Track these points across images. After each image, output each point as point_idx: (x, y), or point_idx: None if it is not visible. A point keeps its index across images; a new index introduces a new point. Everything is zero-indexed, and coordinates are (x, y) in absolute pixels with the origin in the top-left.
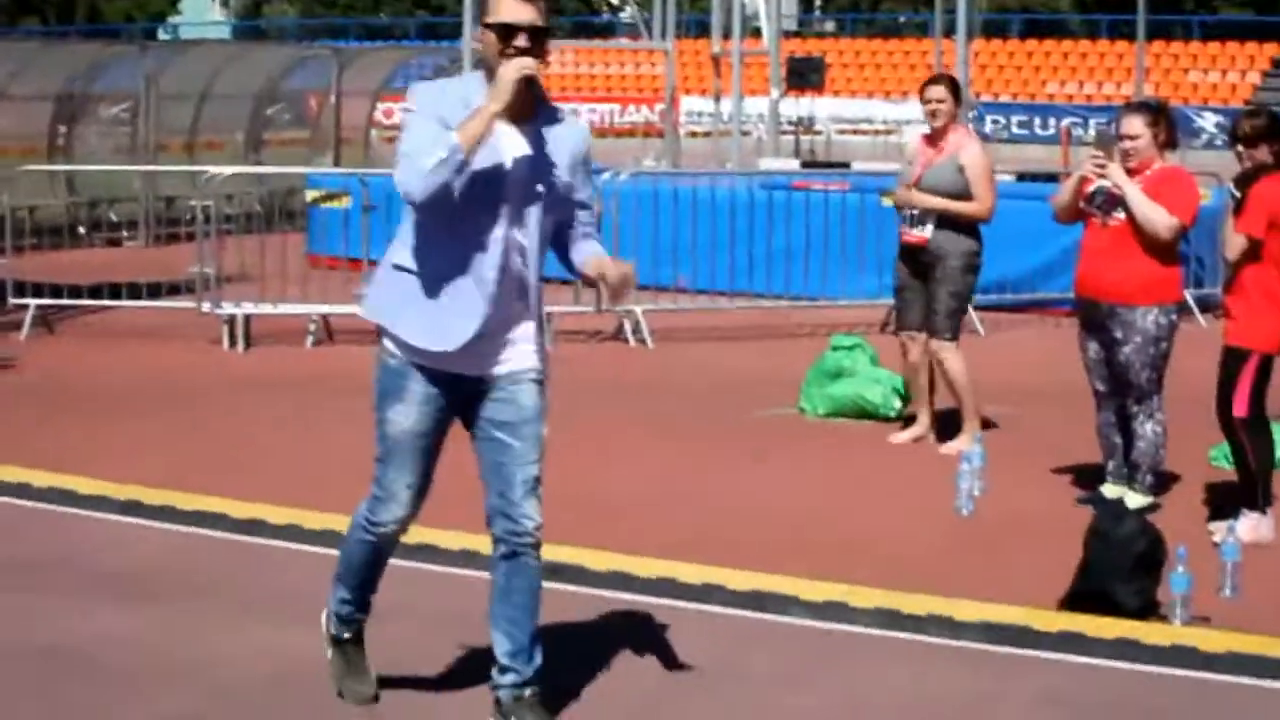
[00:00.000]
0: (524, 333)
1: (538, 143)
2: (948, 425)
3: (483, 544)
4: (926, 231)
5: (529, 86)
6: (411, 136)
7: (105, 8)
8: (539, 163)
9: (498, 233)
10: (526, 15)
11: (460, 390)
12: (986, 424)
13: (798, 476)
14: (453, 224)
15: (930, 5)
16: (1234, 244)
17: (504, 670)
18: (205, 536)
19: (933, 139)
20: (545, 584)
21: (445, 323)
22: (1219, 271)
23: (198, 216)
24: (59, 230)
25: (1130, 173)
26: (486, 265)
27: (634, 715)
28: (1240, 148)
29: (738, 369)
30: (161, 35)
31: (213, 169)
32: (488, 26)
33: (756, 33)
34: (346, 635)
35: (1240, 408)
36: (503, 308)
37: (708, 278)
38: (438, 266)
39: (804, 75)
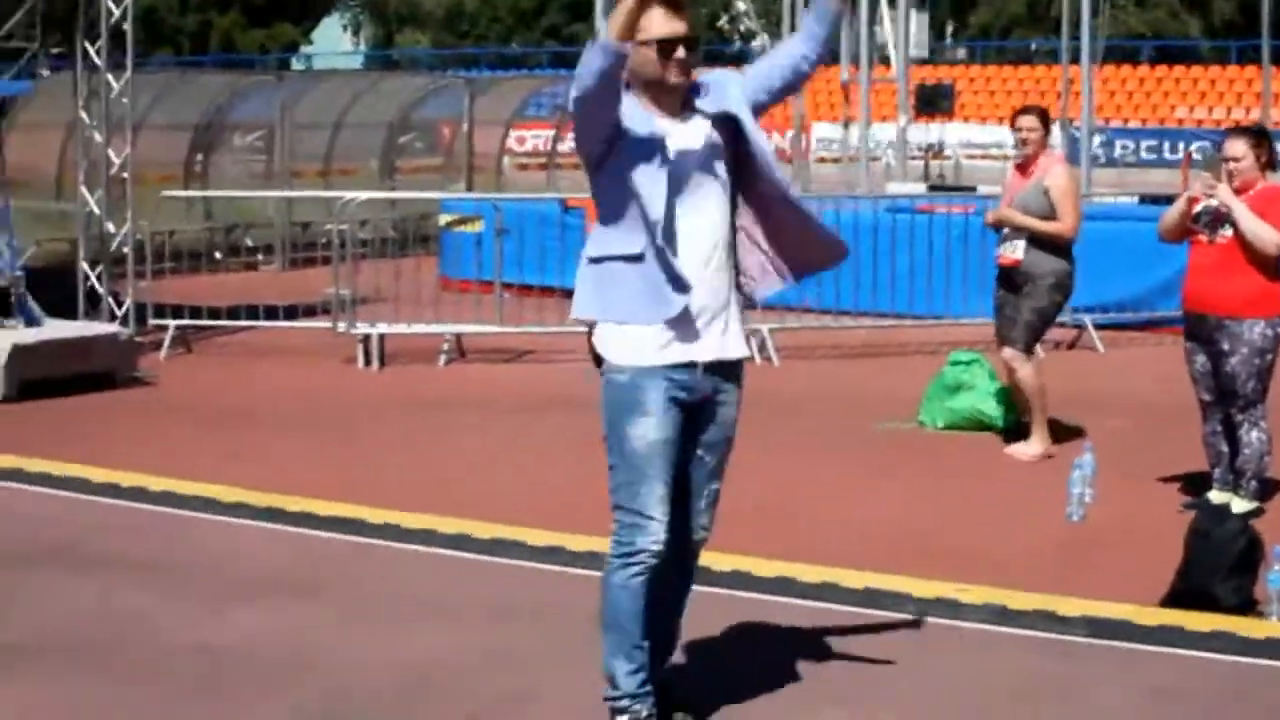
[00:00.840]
0: (735, 316)
1: (701, 123)
2: (1059, 436)
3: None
4: (1018, 252)
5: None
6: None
7: (239, 38)
8: (707, 145)
9: (696, 219)
10: (682, 28)
11: (690, 396)
12: (1076, 433)
13: (915, 486)
14: (636, 208)
15: (1060, 32)
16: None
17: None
18: (343, 541)
19: (1023, 166)
20: None
21: (661, 294)
22: None
23: (333, 240)
24: (197, 255)
25: (1235, 193)
26: (663, 248)
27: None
28: None
29: (861, 385)
30: (295, 65)
31: (348, 194)
32: (644, 44)
33: (886, 61)
34: (646, 714)
35: None
36: (713, 287)
37: (834, 297)
38: (639, 248)
39: (933, 101)
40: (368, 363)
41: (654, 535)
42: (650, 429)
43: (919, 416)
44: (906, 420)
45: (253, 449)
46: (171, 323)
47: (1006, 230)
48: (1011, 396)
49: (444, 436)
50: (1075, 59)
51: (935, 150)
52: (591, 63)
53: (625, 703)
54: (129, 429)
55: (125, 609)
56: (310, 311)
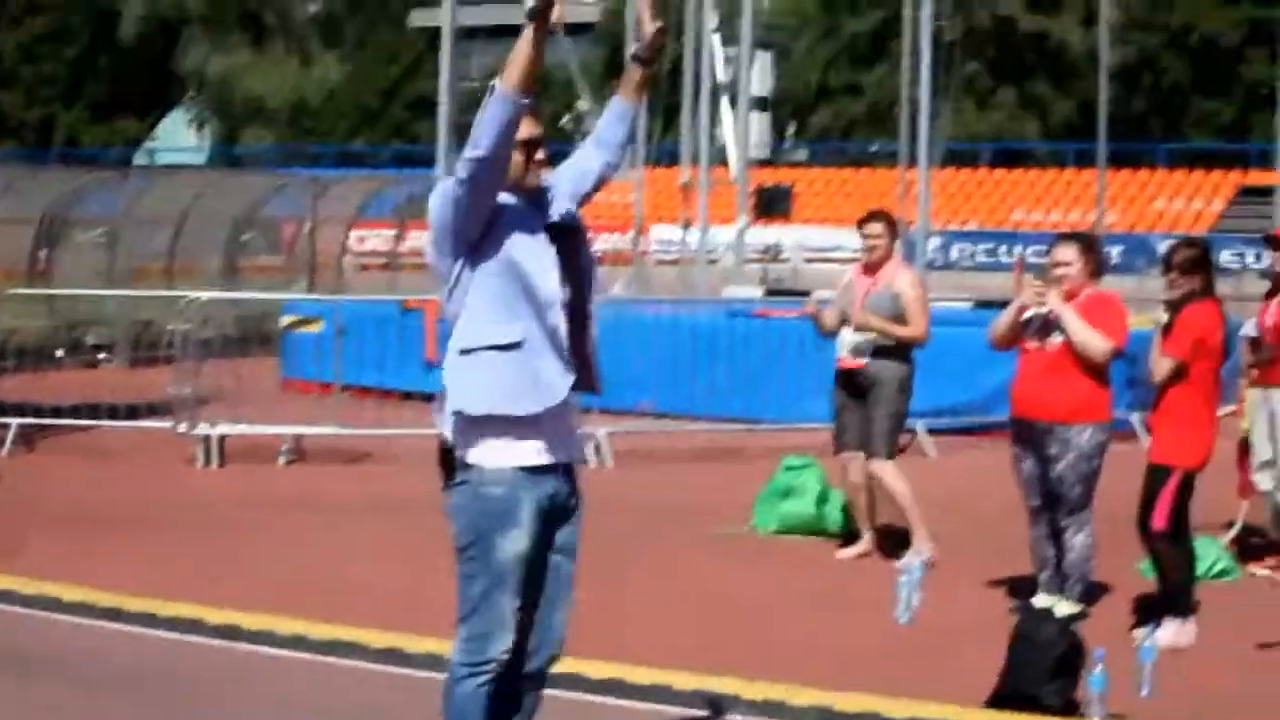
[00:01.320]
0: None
1: (546, 210)
2: (893, 542)
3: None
4: (863, 357)
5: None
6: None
7: (83, 131)
8: (559, 228)
9: (554, 292)
10: (539, 130)
11: (553, 503)
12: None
13: (747, 589)
14: (517, 290)
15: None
16: (1161, 366)
17: None
18: (183, 642)
19: (870, 269)
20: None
21: (540, 381)
22: None
23: (175, 340)
24: (38, 352)
25: (1066, 298)
26: (555, 321)
27: None
28: (1173, 275)
29: (696, 489)
30: (139, 160)
31: (192, 294)
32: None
33: (726, 161)
34: None
35: (1160, 521)
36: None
37: (671, 401)
38: (518, 335)
39: (772, 204)
40: (208, 462)
41: (505, 645)
42: (519, 540)
43: (752, 521)
44: (740, 525)
45: (94, 548)
46: (14, 420)
47: (847, 333)
48: (848, 503)
49: (284, 538)
50: (914, 162)
51: (773, 253)
52: (496, 116)
53: None
54: None
55: None
56: (152, 410)
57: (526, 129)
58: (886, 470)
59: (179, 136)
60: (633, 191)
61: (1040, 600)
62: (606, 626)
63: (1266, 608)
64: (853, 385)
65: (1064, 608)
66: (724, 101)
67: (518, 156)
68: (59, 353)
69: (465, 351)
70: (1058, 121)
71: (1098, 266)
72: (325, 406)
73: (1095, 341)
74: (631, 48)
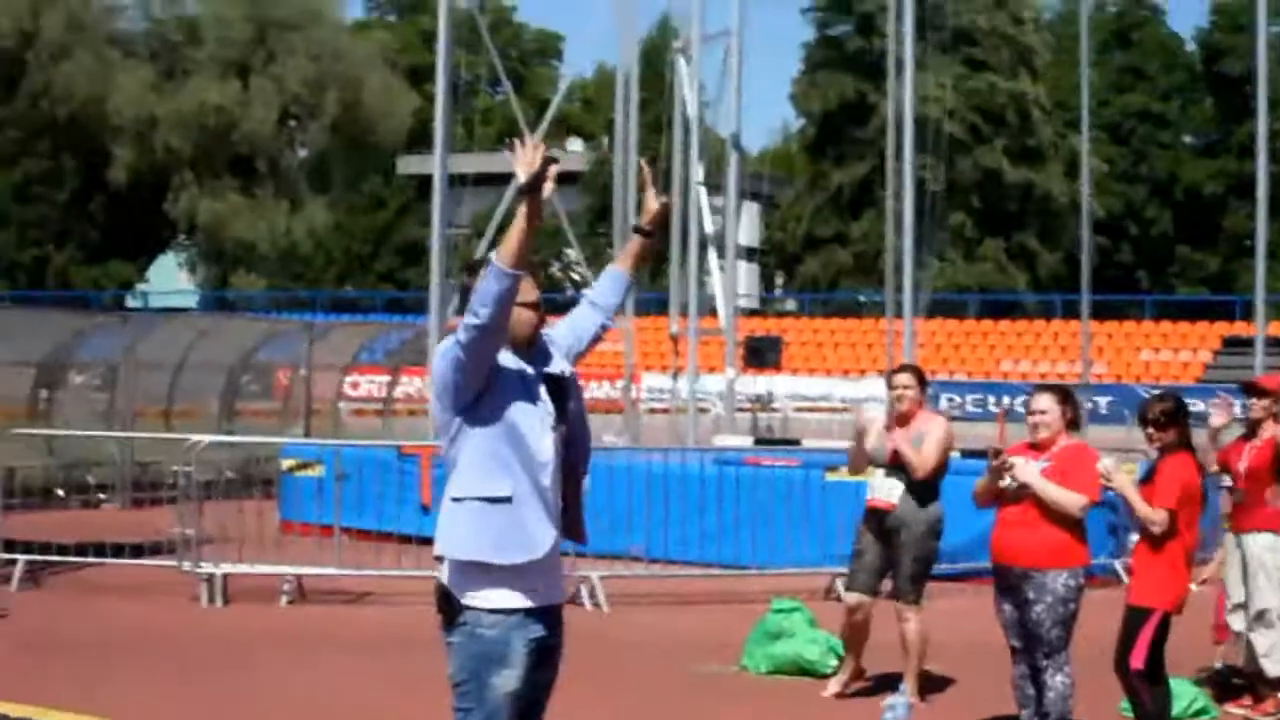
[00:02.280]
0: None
1: (545, 364)
2: (877, 682)
3: None
4: (894, 497)
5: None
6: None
7: (75, 273)
8: (556, 382)
9: (546, 452)
10: (535, 294)
11: (540, 644)
12: (922, 683)
13: None
14: (510, 448)
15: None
16: (1157, 518)
17: None
18: None
19: (901, 420)
20: None
21: (527, 534)
22: None
23: (179, 481)
24: (38, 491)
25: (1040, 447)
26: (545, 479)
27: None
28: (1150, 430)
29: (687, 631)
30: (131, 302)
31: (194, 437)
32: (522, 306)
33: (715, 311)
34: None
35: (1138, 661)
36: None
37: (663, 547)
38: (508, 490)
39: (761, 354)
40: (211, 601)
41: None
42: (511, 680)
43: (742, 661)
44: (729, 665)
45: (99, 683)
46: (21, 557)
47: (880, 476)
48: (845, 643)
49: (283, 674)
50: (901, 312)
51: (763, 402)
52: (493, 289)
53: None
54: None
55: None
56: (155, 550)
57: (531, 293)
58: (912, 613)
59: (170, 279)
60: (623, 341)
61: None
62: None
63: None
64: (881, 526)
65: None
66: (711, 252)
67: (530, 315)
68: (60, 492)
69: (456, 500)
70: (1045, 272)
71: (1075, 417)
72: (325, 548)
73: (1067, 501)
74: (634, 221)
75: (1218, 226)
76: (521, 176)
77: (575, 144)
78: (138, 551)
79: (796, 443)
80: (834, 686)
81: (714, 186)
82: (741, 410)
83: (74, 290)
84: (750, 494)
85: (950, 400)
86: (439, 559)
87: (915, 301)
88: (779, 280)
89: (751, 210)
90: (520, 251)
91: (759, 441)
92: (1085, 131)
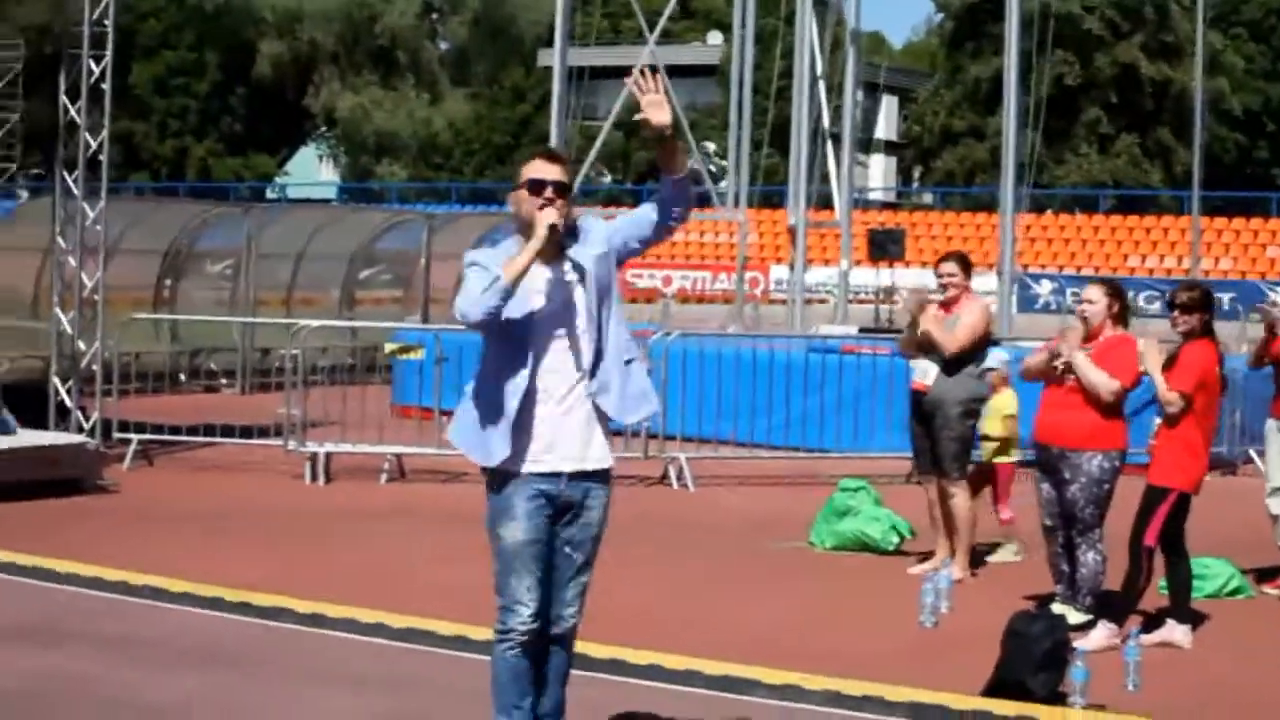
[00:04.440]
0: (598, 431)
1: (571, 271)
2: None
3: None
4: (928, 378)
5: (554, 233)
6: (467, 282)
7: (215, 165)
8: (574, 289)
9: (558, 356)
10: (552, 173)
11: (554, 500)
12: (979, 560)
13: (796, 597)
14: (525, 350)
15: (1023, 181)
16: (1171, 399)
17: None
18: (274, 626)
19: (946, 306)
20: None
21: (506, 436)
22: (1225, 433)
23: (286, 364)
24: (162, 376)
25: (1087, 336)
26: (553, 385)
27: None
28: (1176, 314)
29: (766, 510)
30: (270, 194)
31: (302, 321)
32: (520, 186)
33: (861, 204)
34: None
35: (1151, 538)
36: (574, 416)
37: (760, 431)
38: (502, 390)
39: (884, 246)
40: (314, 478)
41: (522, 618)
42: (517, 531)
43: (809, 538)
44: (798, 541)
45: (202, 549)
46: (135, 436)
47: (924, 361)
48: (931, 518)
49: (375, 541)
50: (1039, 208)
51: (886, 294)
52: (488, 303)
53: None
54: (92, 529)
55: (78, 674)
56: (264, 432)
57: (546, 170)
58: (957, 488)
59: (310, 171)
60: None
61: (1056, 608)
62: (663, 622)
63: (1268, 621)
64: (920, 409)
65: (1075, 616)
66: (830, 145)
67: (527, 193)
68: (181, 377)
69: (467, 397)
70: (1180, 169)
71: (1122, 311)
72: (428, 430)
73: (1101, 383)
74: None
75: None
76: (655, 119)
77: (715, 36)
78: (247, 433)
79: (901, 332)
80: (922, 568)
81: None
82: (863, 301)
83: (214, 182)
84: (842, 380)
85: (1074, 294)
86: None
87: (1017, 198)
88: (916, 174)
89: (890, 104)
90: (520, 279)
91: (863, 330)
92: (1201, 15)
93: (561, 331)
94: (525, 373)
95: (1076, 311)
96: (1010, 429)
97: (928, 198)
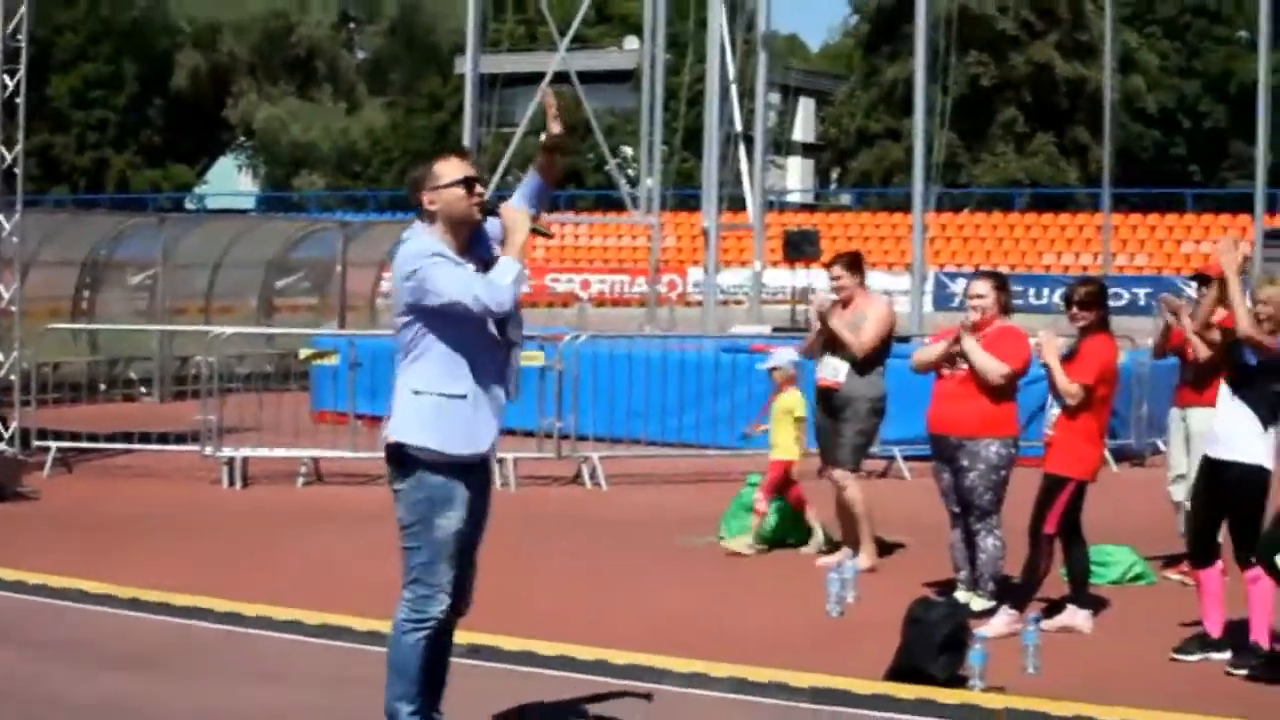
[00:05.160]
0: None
1: (483, 249)
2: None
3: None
4: (839, 376)
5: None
6: (456, 274)
7: (133, 177)
8: (488, 266)
9: (499, 346)
10: (472, 170)
11: (479, 484)
12: (892, 549)
13: (705, 590)
14: (486, 342)
15: (940, 181)
16: (1072, 391)
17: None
18: (193, 625)
19: (843, 305)
20: (471, 660)
21: (477, 430)
22: (1131, 425)
23: (202, 371)
24: (80, 386)
25: (976, 327)
26: (499, 373)
27: None
28: (1074, 310)
29: (677, 507)
30: (189, 205)
31: (218, 329)
32: (448, 186)
33: (776, 206)
34: None
35: (1051, 526)
36: (497, 403)
37: (672, 430)
38: (480, 384)
39: (799, 247)
40: (231, 483)
41: (444, 605)
42: (455, 519)
43: (719, 532)
44: (707, 536)
45: (121, 552)
46: (54, 444)
47: (829, 358)
48: (838, 515)
49: (291, 543)
50: (956, 207)
51: (800, 295)
52: (516, 290)
53: None
54: (11, 535)
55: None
56: (181, 438)
57: (468, 169)
58: (849, 480)
59: (229, 182)
60: (669, 237)
61: (960, 596)
62: (575, 615)
63: (1167, 605)
64: (829, 404)
65: (977, 602)
66: (742, 148)
67: (461, 191)
68: (101, 386)
69: (417, 393)
70: (1096, 167)
71: (1007, 302)
72: (343, 434)
73: (993, 366)
74: (543, 138)
75: (1272, 122)
76: (557, 131)
77: (631, 41)
78: (165, 439)
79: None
80: (829, 560)
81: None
82: (780, 302)
83: (133, 193)
84: (752, 380)
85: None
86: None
87: (930, 198)
88: (834, 175)
89: (807, 106)
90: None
91: (776, 330)
92: (1109, 12)
93: (491, 325)
94: (489, 362)
95: (967, 305)
96: (799, 430)
97: (845, 198)
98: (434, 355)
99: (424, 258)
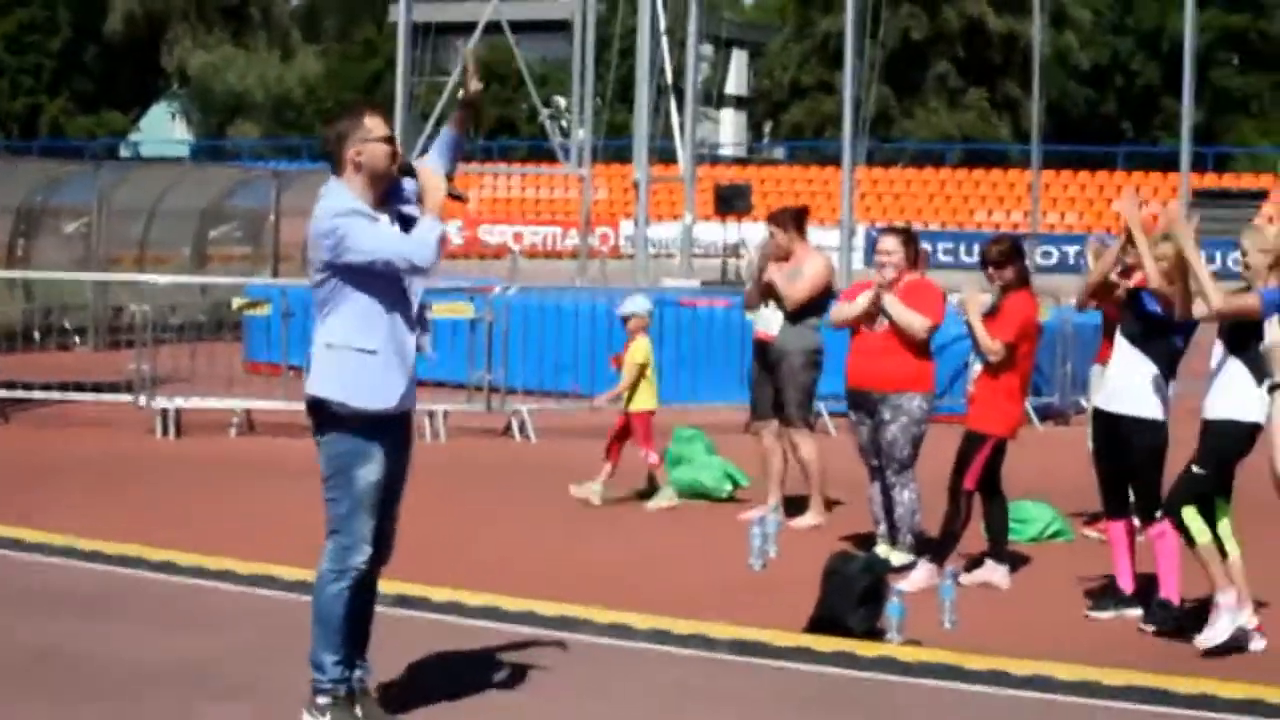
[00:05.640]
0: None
1: (398, 201)
2: (796, 508)
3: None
4: (773, 328)
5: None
6: (377, 231)
7: (67, 124)
8: (406, 222)
9: (414, 300)
10: (386, 129)
11: (395, 439)
12: (830, 505)
13: (630, 542)
14: (400, 299)
15: (873, 136)
16: (994, 348)
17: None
18: (124, 574)
19: (784, 258)
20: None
21: (389, 383)
22: (1055, 382)
23: (136, 320)
24: (14, 335)
25: (889, 285)
26: (409, 329)
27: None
28: (990, 270)
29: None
30: (123, 152)
31: (152, 278)
32: (378, 140)
33: (710, 159)
34: (345, 694)
35: (970, 482)
36: (410, 359)
37: (594, 385)
38: (393, 339)
39: (730, 201)
40: (165, 433)
41: (366, 555)
42: (373, 471)
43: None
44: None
45: (57, 501)
46: None
47: (766, 311)
48: (764, 467)
49: (222, 492)
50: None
51: (732, 250)
52: (437, 247)
53: (329, 686)
54: None
55: None
56: (115, 388)
57: (388, 127)
58: (801, 437)
59: (163, 129)
60: (603, 189)
61: (879, 550)
62: (501, 566)
63: (1084, 561)
64: (764, 358)
65: (897, 556)
66: (672, 100)
67: (385, 148)
68: (35, 335)
69: (329, 346)
70: (1028, 123)
71: (916, 255)
72: (276, 384)
73: (915, 321)
74: (461, 94)
75: (1204, 80)
76: (474, 88)
77: None
78: (99, 389)
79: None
80: (753, 514)
81: (689, 35)
82: (711, 257)
83: (67, 140)
84: (681, 334)
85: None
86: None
87: (860, 152)
88: (766, 129)
89: (740, 59)
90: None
91: (705, 284)
92: None
93: (407, 281)
94: (401, 318)
95: (875, 263)
96: (632, 375)
97: (779, 152)
98: (348, 310)
99: (343, 215)
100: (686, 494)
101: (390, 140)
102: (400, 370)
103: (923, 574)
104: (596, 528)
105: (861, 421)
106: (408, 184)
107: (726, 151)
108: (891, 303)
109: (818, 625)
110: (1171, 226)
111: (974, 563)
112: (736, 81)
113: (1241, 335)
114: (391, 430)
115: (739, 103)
